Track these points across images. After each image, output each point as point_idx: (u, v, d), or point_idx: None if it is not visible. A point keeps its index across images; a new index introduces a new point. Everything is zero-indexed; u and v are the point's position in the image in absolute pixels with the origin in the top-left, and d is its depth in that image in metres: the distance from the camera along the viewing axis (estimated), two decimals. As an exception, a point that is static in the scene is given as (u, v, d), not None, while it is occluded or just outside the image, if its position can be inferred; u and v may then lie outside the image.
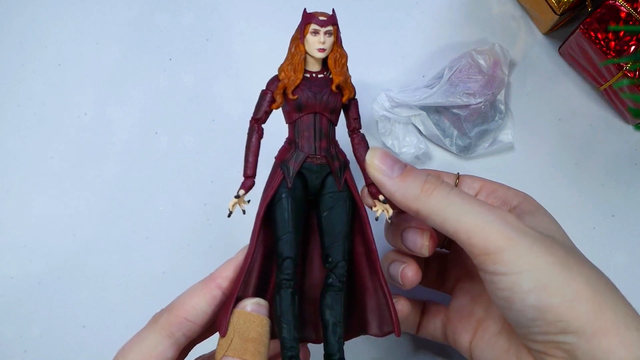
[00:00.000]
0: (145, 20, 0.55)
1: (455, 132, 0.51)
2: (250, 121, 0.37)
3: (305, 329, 0.38)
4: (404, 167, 0.35)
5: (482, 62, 0.50)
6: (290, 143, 0.37)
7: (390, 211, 0.37)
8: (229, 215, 0.36)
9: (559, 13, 0.49)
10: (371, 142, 0.53)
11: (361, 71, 0.54)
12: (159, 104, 0.54)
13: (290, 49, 0.37)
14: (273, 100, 0.36)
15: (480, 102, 0.50)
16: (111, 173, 0.53)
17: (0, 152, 0.53)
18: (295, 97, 0.36)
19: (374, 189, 0.37)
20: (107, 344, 0.50)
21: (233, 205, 0.36)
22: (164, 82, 0.54)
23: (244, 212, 0.36)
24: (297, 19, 0.37)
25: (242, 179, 0.36)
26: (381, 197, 0.37)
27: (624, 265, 0.51)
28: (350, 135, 0.38)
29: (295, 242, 0.35)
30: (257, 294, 0.36)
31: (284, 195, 0.35)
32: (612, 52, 0.47)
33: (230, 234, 0.51)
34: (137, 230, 0.52)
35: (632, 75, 0.47)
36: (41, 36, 0.55)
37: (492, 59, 0.51)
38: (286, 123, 0.37)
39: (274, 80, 0.36)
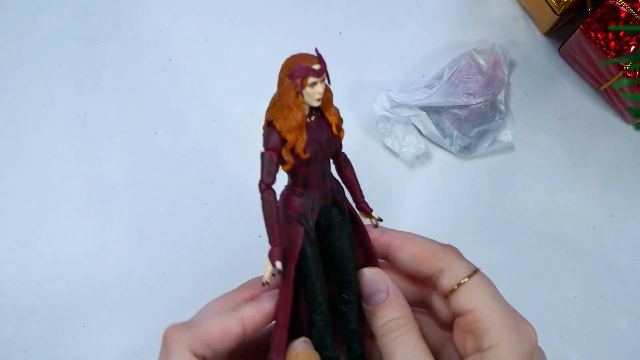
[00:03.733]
0: (145, 20, 0.55)
1: (455, 132, 0.51)
2: (261, 188, 0.33)
3: None
4: (381, 300, 0.36)
5: (482, 62, 0.50)
6: (300, 194, 0.35)
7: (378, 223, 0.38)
8: (263, 285, 0.34)
9: (559, 13, 0.49)
10: (371, 142, 0.54)
11: (361, 71, 0.54)
12: (159, 104, 0.54)
13: (285, 101, 0.33)
14: (283, 162, 0.33)
15: (480, 102, 0.50)
16: (111, 173, 0.52)
17: (0, 152, 0.53)
18: (308, 155, 0.33)
19: (364, 206, 0.38)
20: (107, 344, 0.50)
21: (270, 276, 0.34)
22: (164, 82, 0.54)
23: (273, 275, 0.36)
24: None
25: (269, 246, 0.34)
26: (375, 215, 0.38)
27: (624, 265, 0.51)
28: (335, 158, 0.37)
29: (325, 286, 0.36)
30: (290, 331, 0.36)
31: (308, 249, 0.35)
32: (612, 52, 0.47)
33: (230, 234, 0.51)
34: (137, 230, 0.52)
35: (632, 75, 0.47)
36: (41, 36, 0.55)
37: (492, 59, 0.51)
38: (288, 173, 0.35)
39: (271, 135, 0.33)
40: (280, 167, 0.34)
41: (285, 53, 0.37)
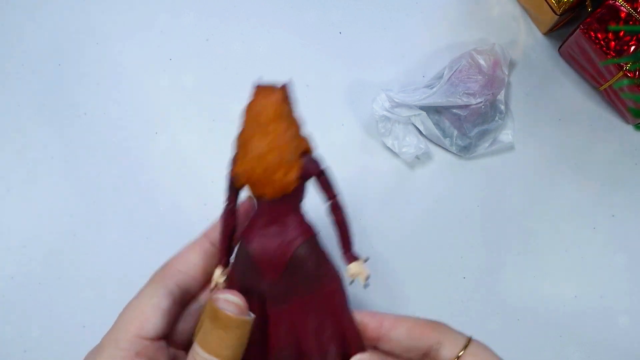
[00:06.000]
0: (145, 20, 0.55)
1: (455, 132, 0.51)
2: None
3: None
4: None
5: (482, 62, 0.50)
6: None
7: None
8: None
9: (559, 13, 0.49)
10: (371, 142, 0.54)
11: (361, 71, 0.54)
12: (159, 104, 0.54)
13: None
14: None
15: (480, 102, 0.50)
16: (111, 173, 0.53)
17: (1, 152, 0.53)
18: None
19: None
20: (107, 344, 0.50)
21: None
22: (164, 82, 0.54)
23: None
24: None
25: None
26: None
27: (624, 265, 0.51)
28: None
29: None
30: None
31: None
32: (612, 52, 0.47)
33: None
34: (137, 230, 0.52)
35: (632, 75, 0.47)
36: (41, 36, 0.55)
37: (492, 59, 0.51)
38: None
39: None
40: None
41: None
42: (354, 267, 0.36)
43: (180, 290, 0.36)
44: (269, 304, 0.35)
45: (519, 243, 0.51)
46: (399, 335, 0.36)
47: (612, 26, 0.47)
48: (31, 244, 0.51)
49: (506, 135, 0.52)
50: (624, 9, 0.47)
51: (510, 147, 0.52)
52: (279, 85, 0.34)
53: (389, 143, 0.51)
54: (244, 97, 0.54)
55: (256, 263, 0.34)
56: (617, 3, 0.47)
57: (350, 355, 0.35)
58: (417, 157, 0.52)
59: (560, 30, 0.54)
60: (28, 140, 0.53)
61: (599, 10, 0.47)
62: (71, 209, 0.52)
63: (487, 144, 0.51)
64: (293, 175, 0.33)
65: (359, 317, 0.36)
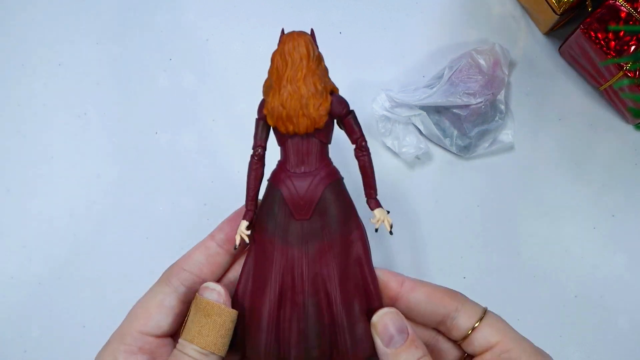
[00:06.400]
0: (145, 20, 0.55)
1: (455, 132, 0.51)
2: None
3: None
4: (403, 340, 0.35)
5: (482, 62, 0.50)
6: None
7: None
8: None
9: (559, 13, 0.49)
10: (371, 142, 0.53)
11: (361, 71, 0.54)
12: (159, 104, 0.54)
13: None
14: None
15: (480, 102, 0.50)
16: (111, 173, 0.53)
17: (0, 152, 0.53)
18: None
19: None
20: (107, 344, 0.50)
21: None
22: (164, 82, 0.54)
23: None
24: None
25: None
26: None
27: (624, 265, 0.51)
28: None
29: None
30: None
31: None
32: (612, 52, 0.47)
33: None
34: (137, 230, 0.52)
35: (632, 75, 0.47)
36: (41, 36, 0.55)
37: (492, 59, 0.51)
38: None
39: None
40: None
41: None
42: (379, 212, 0.37)
43: (185, 289, 0.37)
44: (297, 246, 0.36)
45: (519, 243, 0.51)
46: (418, 298, 0.37)
47: (612, 26, 0.47)
48: (31, 244, 0.51)
49: (506, 135, 0.52)
50: (624, 9, 0.47)
51: (510, 147, 0.52)
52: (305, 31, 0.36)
53: (389, 143, 0.51)
54: (244, 97, 0.54)
55: (288, 204, 0.35)
56: (617, 3, 0.47)
57: (373, 311, 0.36)
58: (417, 157, 0.52)
59: (560, 30, 0.54)
60: (28, 140, 0.53)
61: (599, 10, 0.47)
62: (71, 209, 0.52)
63: (487, 144, 0.51)
64: (325, 107, 0.35)
65: (381, 273, 0.37)
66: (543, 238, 0.51)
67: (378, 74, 0.53)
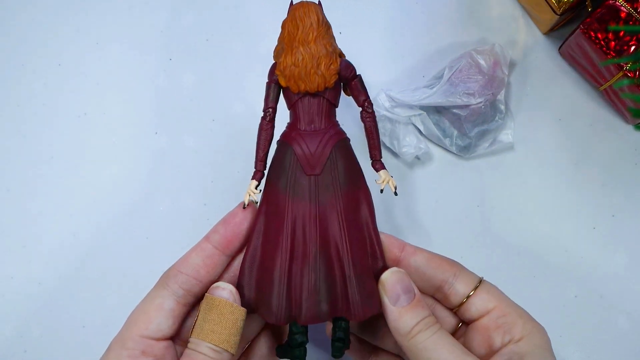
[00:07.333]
0: (145, 20, 0.55)
1: (455, 132, 0.51)
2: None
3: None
4: (410, 300, 0.36)
5: (482, 62, 0.50)
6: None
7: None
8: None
9: (559, 13, 0.49)
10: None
11: (361, 71, 0.54)
12: (159, 104, 0.54)
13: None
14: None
15: (480, 102, 0.50)
16: (111, 173, 0.53)
17: (0, 152, 0.53)
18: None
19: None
20: (107, 344, 0.50)
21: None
22: (164, 82, 0.54)
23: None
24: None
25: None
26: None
27: (624, 265, 0.51)
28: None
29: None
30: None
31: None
32: (612, 52, 0.47)
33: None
34: (137, 230, 0.52)
35: (632, 75, 0.47)
36: (41, 36, 0.55)
37: (492, 59, 0.51)
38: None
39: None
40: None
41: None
42: (384, 174, 0.39)
43: (183, 292, 0.37)
44: (308, 200, 0.37)
45: (519, 243, 0.51)
46: (418, 262, 0.38)
47: (612, 26, 0.47)
48: (31, 244, 0.51)
49: (506, 135, 0.52)
50: (624, 9, 0.47)
51: (510, 147, 0.52)
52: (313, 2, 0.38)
53: (389, 143, 0.51)
54: (244, 97, 0.54)
55: (299, 160, 0.37)
56: (617, 3, 0.47)
57: (378, 271, 0.37)
58: (417, 157, 0.52)
59: (560, 30, 0.54)
60: (28, 139, 0.53)
61: (599, 10, 0.47)
62: (71, 209, 0.52)
63: (487, 144, 0.51)
64: (335, 67, 0.37)
65: (383, 237, 0.38)
66: (543, 238, 0.51)
67: (378, 74, 0.53)
